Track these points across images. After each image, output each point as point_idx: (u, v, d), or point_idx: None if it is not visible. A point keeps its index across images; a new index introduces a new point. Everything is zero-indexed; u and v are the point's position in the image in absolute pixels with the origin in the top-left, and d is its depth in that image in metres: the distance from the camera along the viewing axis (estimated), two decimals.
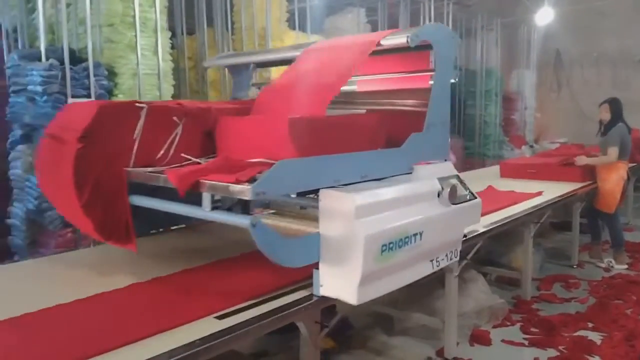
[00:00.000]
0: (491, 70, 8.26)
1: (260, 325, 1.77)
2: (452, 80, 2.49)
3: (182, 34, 4.86)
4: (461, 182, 2.46)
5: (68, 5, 3.59)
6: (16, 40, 3.96)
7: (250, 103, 2.89)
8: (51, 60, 3.29)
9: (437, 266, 2.33)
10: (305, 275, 2.01)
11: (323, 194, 1.90)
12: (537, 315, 3.91)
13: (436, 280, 3.45)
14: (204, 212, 1.88)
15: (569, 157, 5.19)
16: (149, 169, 2.14)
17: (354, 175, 2.03)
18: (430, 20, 6.54)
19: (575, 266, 5.14)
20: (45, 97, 3.25)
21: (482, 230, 3.16)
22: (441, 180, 2.32)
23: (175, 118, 2.32)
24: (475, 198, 2.52)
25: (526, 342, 3.49)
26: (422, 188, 2.23)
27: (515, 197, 4.14)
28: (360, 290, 1.87)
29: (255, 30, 4.79)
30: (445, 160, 2.51)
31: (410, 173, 2.28)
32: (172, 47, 4.12)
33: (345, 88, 2.57)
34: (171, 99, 3.90)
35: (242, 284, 2.08)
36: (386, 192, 2.04)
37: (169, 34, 4.00)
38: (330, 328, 2.19)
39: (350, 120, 2.32)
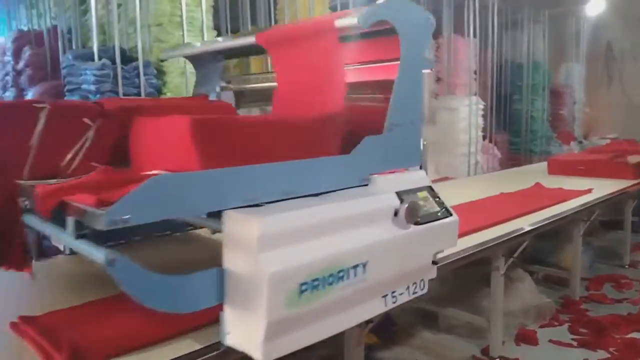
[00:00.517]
0: (538, 63, 8.05)
1: None
2: (427, 71, 2.01)
3: (227, 32, 4.94)
4: (433, 195, 2.03)
5: (119, 6, 3.71)
6: (70, 41, 4.13)
7: (202, 99, 2.55)
8: (103, 60, 3.41)
9: (394, 302, 1.88)
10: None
11: (227, 216, 1.48)
12: (586, 316, 3.81)
13: (482, 278, 3.41)
14: (69, 239, 1.50)
15: (620, 153, 5.02)
16: (29, 182, 1.76)
17: (272, 191, 1.56)
18: (475, 13, 6.41)
19: (627, 266, 4.98)
20: (98, 96, 3.37)
21: (528, 228, 3.10)
22: (403, 194, 1.86)
23: (87, 120, 1.95)
24: (450, 215, 2.03)
25: (575, 343, 3.41)
26: (370, 206, 1.74)
27: (564, 195, 4.03)
28: (268, 344, 1.42)
29: None
30: (420, 167, 2.06)
31: (366, 185, 1.83)
32: None
33: None
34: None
35: (114, 330, 1.57)
36: (312, 213, 1.56)
37: (215, 32, 4.08)
38: (374, 323, 2.19)
39: (282, 122, 1.81)
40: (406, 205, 1.78)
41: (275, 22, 5.06)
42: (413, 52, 1.93)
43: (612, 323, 3.63)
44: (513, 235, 2.96)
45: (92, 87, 3.37)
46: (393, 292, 1.87)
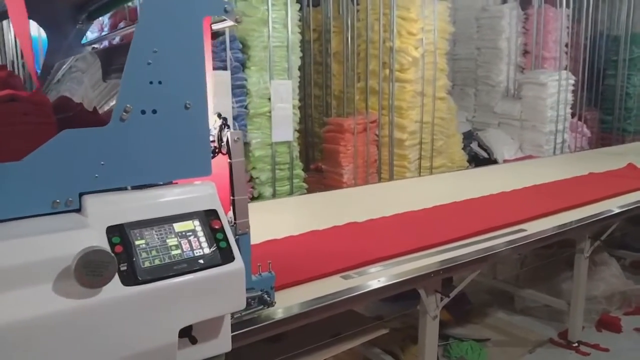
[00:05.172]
0: (638, 35, 7.45)
1: (383, 288, 1.84)
2: (228, 23, 1.36)
3: (308, 6, 4.98)
4: (211, 227, 1.29)
5: None
6: None
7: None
8: None
9: None
10: None
11: None
12: None
13: (563, 261, 3.31)
14: None
15: None
16: None
17: None
18: None
19: None
20: None
21: (617, 210, 2.95)
22: (132, 227, 1.19)
23: None
24: (230, 260, 1.27)
25: None
26: (12, 258, 1.05)
27: None
28: None
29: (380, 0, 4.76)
30: (204, 174, 1.35)
31: (77, 211, 1.19)
32: (299, 20, 4.25)
33: None
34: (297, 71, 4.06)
35: None
36: None
37: (298, 6, 4.13)
38: (450, 299, 2.20)
39: None
40: (78, 258, 1.06)
41: None
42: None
43: None
44: (600, 217, 2.84)
45: None
46: None
